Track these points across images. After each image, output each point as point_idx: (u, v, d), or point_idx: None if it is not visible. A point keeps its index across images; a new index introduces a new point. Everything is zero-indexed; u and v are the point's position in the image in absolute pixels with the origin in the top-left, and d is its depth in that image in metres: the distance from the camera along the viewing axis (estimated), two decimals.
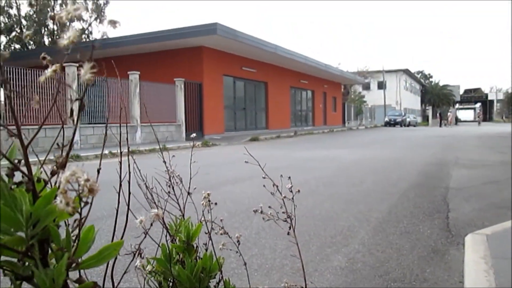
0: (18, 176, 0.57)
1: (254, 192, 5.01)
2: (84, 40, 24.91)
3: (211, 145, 13.83)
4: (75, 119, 0.62)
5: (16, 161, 0.56)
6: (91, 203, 0.58)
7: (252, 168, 1.22)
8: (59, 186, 0.50)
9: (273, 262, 2.73)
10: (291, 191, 1.08)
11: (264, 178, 1.10)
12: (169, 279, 1.04)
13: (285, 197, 1.06)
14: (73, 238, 0.61)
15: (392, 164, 8.24)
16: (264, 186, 1.10)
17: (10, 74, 10.33)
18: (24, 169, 0.56)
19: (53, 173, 0.59)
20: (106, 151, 9.37)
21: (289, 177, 1.09)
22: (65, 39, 0.55)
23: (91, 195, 0.51)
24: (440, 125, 37.97)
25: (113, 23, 0.57)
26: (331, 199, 4.76)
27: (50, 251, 0.59)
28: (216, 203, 1.14)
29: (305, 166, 7.85)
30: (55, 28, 28.26)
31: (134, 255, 0.97)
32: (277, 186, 1.08)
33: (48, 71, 0.57)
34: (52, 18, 0.57)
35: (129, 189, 1.00)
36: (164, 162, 1.22)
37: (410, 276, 2.49)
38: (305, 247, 3.00)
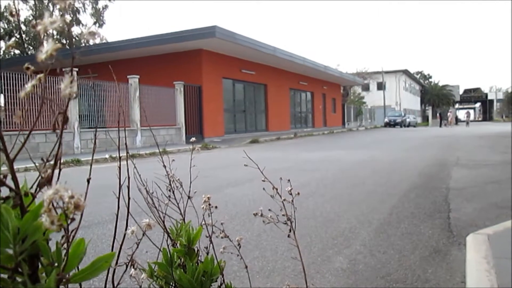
0: (6, 190, 0.56)
1: (255, 194, 5.00)
2: (83, 44, 24.97)
3: (211, 147, 13.83)
4: (59, 132, 0.59)
5: (3, 174, 0.55)
6: (81, 217, 0.57)
7: (252, 170, 1.23)
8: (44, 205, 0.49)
9: (275, 265, 2.72)
10: (291, 194, 1.08)
11: (263, 181, 1.10)
12: (171, 283, 1.05)
13: (284, 199, 1.06)
14: (64, 250, 0.60)
15: (392, 165, 8.24)
16: (263, 189, 1.10)
17: (9, 79, 10.33)
18: (11, 183, 0.55)
19: (40, 186, 0.58)
20: (106, 155, 9.37)
21: (289, 180, 1.09)
22: (42, 54, 0.52)
23: (77, 211, 0.50)
24: (440, 125, 37.95)
25: (92, 34, 0.57)
26: (332, 200, 4.76)
27: (40, 266, 0.58)
28: (216, 207, 1.14)
29: (306, 168, 7.84)
30: (55, 33, 28.30)
31: (127, 266, 0.96)
32: (276, 189, 1.08)
33: (28, 86, 0.55)
34: (34, 26, 0.55)
35: (128, 193, 1.00)
36: (164, 166, 1.22)
37: (412, 277, 2.49)
38: (306, 249, 3.00)
